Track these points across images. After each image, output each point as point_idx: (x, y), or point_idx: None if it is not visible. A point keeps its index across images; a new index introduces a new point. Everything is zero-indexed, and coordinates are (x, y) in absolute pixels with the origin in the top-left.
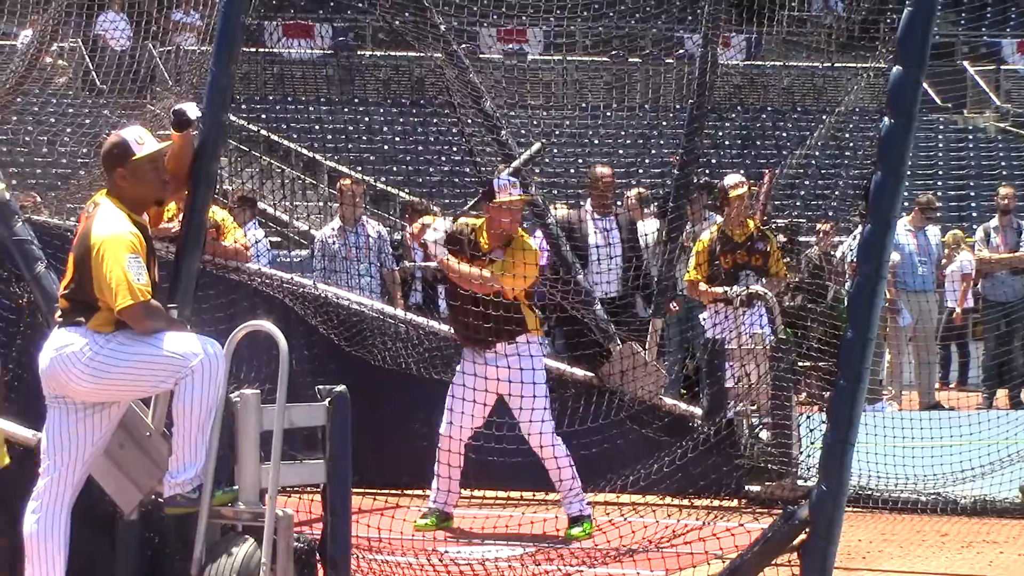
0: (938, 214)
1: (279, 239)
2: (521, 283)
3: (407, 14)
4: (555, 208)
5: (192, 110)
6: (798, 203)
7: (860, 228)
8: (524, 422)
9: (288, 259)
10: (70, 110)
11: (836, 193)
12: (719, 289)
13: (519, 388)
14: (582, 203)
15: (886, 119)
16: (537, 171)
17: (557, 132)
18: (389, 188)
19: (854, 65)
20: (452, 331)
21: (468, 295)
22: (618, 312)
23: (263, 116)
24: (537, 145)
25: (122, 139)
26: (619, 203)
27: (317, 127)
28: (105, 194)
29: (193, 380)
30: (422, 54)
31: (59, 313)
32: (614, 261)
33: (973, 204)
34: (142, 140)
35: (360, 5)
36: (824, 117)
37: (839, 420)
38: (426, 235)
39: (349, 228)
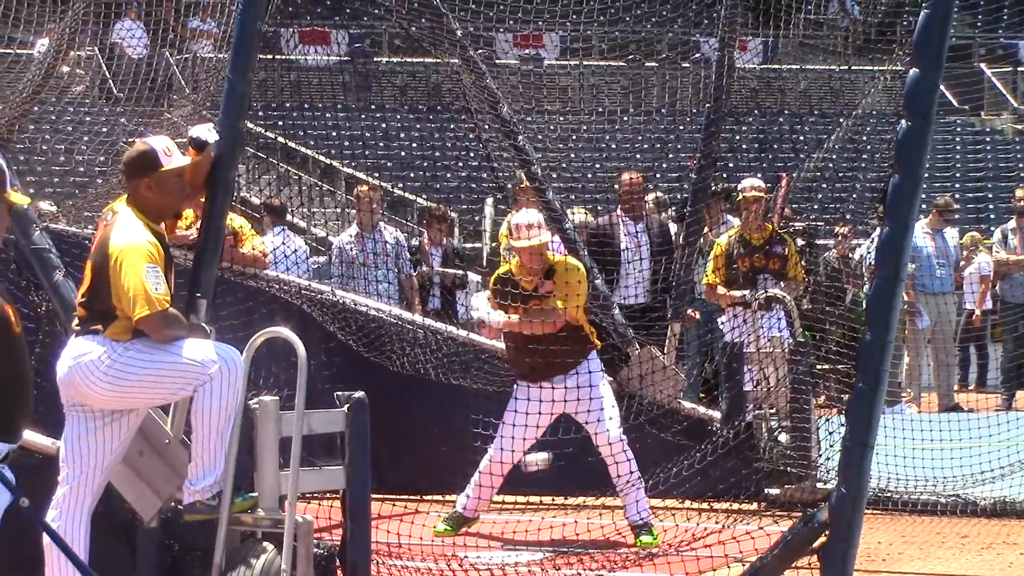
0: (956, 216)
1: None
2: (576, 308)
3: (423, 20)
4: (574, 212)
5: (207, 134)
6: (815, 206)
7: (878, 231)
8: (596, 433)
9: (306, 266)
10: (87, 118)
11: (853, 196)
12: (737, 292)
13: (586, 404)
14: (612, 208)
15: (903, 121)
16: (555, 175)
17: (574, 137)
18: (406, 194)
19: (871, 68)
20: (511, 367)
21: (530, 336)
22: (644, 318)
23: (280, 123)
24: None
25: (150, 149)
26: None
27: (334, 133)
28: (124, 201)
29: (212, 387)
30: (438, 60)
31: (76, 321)
32: (644, 266)
33: (991, 206)
34: (170, 152)
35: (377, 11)
36: (841, 120)
37: (858, 423)
38: (478, 315)
39: (367, 234)
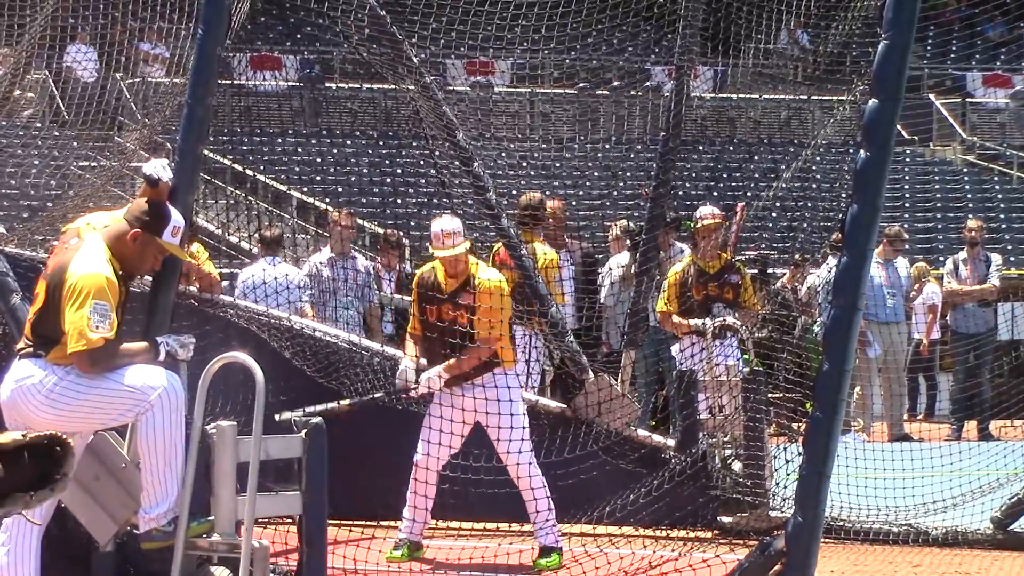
0: (906, 246)
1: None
2: (498, 325)
3: (377, 46)
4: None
5: (161, 171)
6: (766, 235)
7: (832, 260)
8: (502, 452)
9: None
10: (38, 142)
11: (805, 226)
12: (692, 321)
13: (496, 419)
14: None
15: (862, 151)
16: (505, 202)
17: (525, 164)
18: (360, 220)
19: (829, 98)
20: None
21: (436, 337)
22: (588, 344)
23: (231, 148)
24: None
25: (168, 217)
26: (573, 236)
27: (285, 159)
28: (93, 228)
29: (153, 415)
30: (392, 86)
31: (21, 343)
32: (571, 295)
33: (940, 236)
34: (177, 233)
35: (332, 37)
36: (793, 150)
37: (815, 451)
38: (413, 391)
39: (338, 261)
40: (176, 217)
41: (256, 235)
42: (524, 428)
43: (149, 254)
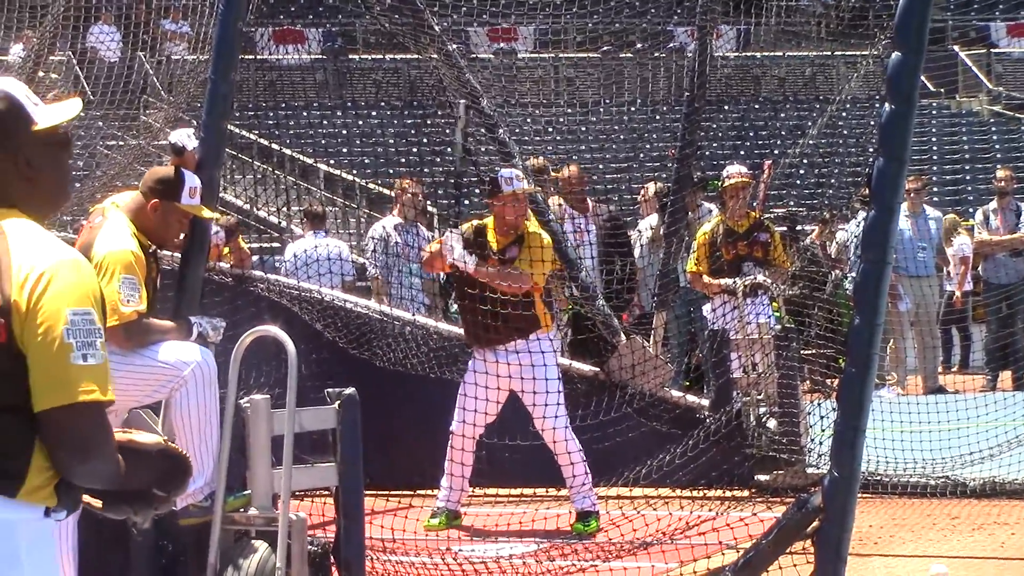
0: (927, 196)
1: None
2: (542, 279)
3: (398, 16)
4: (557, 203)
5: (186, 140)
6: (794, 192)
7: (862, 215)
8: (538, 417)
9: (348, 266)
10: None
11: (833, 181)
12: (722, 281)
13: (531, 384)
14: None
15: (887, 105)
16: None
17: (551, 129)
18: (385, 190)
19: (853, 53)
20: (462, 330)
21: (477, 294)
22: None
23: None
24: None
25: (182, 180)
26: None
27: (311, 132)
28: (117, 206)
29: (187, 390)
30: (416, 56)
31: None
32: (591, 258)
33: (969, 188)
34: (195, 194)
35: (354, 8)
36: (819, 106)
37: (849, 407)
38: (448, 258)
39: (405, 227)
40: (190, 178)
41: (298, 212)
42: (560, 392)
43: (173, 221)
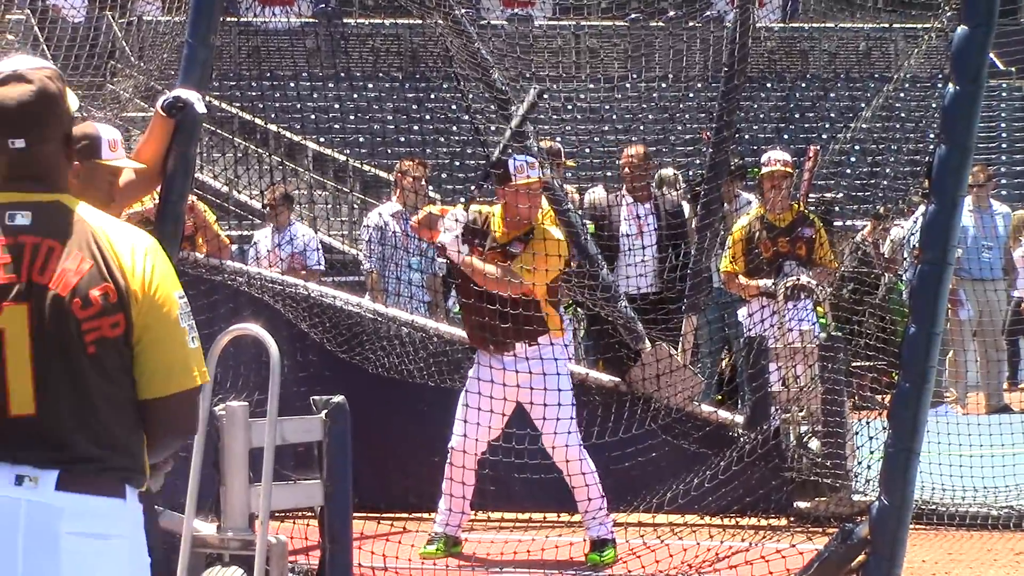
0: (994, 190)
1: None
2: (543, 279)
3: None
4: (576, 192)
5: (198, 103)
6: (844, 183)
7: (922, 210)
8: (547, 433)
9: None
10: None
11: (888, 171)
12: (761, 282)
13: (541, 395)
14: (615, 187)
15: (950, 85)
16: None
17: (570, 107)
18: (381, 172)
19: (913, 26)
20: (464, 332)
21: (482, 292)
22: (653, 310)
23: (238, 94)
24: (533, 92)
25: (95, 135)
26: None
27: (299, 106)
28: None
29: None
30: (419, 21)
31: None
32: (648, 252)
33: None
34: (115, 147)
35: None
36: (874, 86)
37: (902, 426)
38: (441, 235)
39: (407, 215)
40: (107, 130)
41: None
42: (571, 406)
43: (100, 180)
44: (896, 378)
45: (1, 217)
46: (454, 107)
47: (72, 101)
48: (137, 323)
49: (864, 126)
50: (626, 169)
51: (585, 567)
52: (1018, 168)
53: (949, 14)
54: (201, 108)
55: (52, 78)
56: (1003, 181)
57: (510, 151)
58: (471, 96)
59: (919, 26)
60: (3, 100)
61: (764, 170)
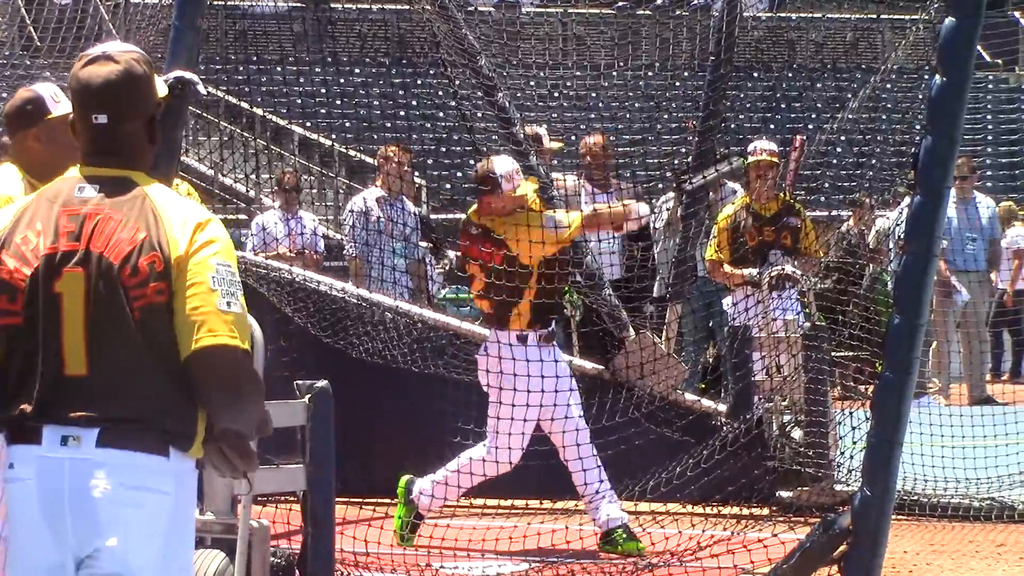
0: (978, 181)
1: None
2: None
3: None
4: (559, 181)
5: (200, 85)
6: (830, 173)
7: (907, 201)
8: (557, 419)
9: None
10: (6, 71)
11: (874, 162)
12: (746, 271)
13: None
14: (576, 174)
15: (937, 76)
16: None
17: (557, 94)
18: (367, 158)
19: (901, 17)
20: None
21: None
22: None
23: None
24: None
25: (36, 95)
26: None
27: (285, 90)
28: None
29: None
30: (406, 6)
31: None
32: (615, 242)
33: None
34: (58, 98)
35: None
36: (861, 76)
37: (885, 417)
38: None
39: (390, 200)
40: (42, 87)
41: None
42: (574, 391)
43: (58, 138)
44: (880, 368)
45: (74, 189)
46: (440, 93)
47: (160, 87)
48: (177, 290)
49: (851, 117)
50: (587, 158)
51: (568, 554)
52: (1003, 160)
53: (937, 6)
54: (202, 88)
55: (139, 61)
56: (988, 173)
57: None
58: (458, 82)
59: (907, 17)
60: (90, 78)
61: (751, 159)
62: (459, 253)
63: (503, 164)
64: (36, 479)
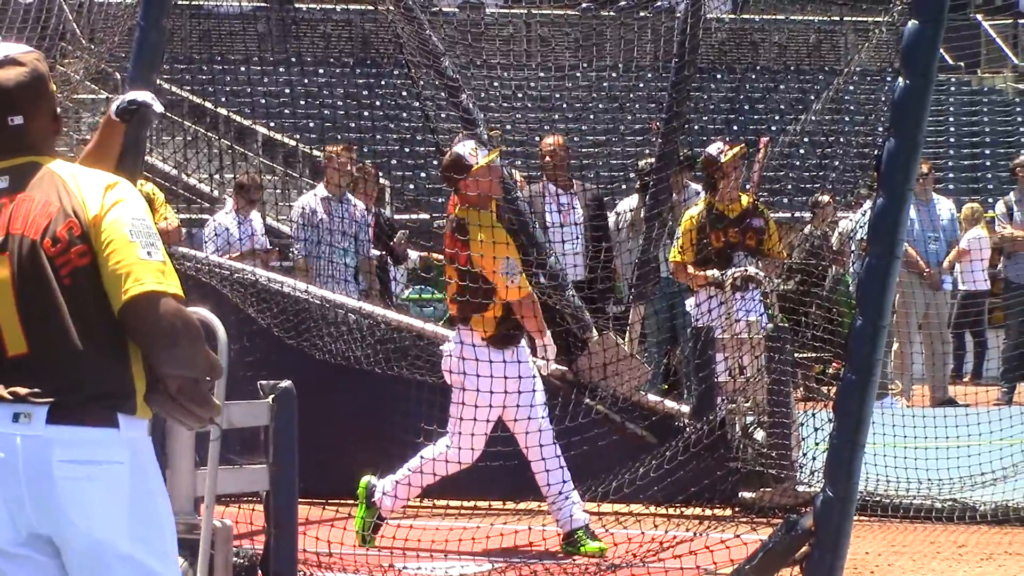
0: (936, 182)
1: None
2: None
3: None
4: (522, 181)
5: (155, 105)
6: (792, 175)
7: (869, 203)
8: (521, 420)
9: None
10: None
11: (836, 164)
12: (710, 272)
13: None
14: (538, 178)
15: (900, 79)
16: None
17: (521, 96)
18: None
19: (864, 19)
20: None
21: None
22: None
23: (188, 77)
24: None
25: None
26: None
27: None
28: None
29: None
30: (370, 7)
31: None
32: (578, 243)
33: (989, 175)
34: None
35: None
36: (822, 78)
37: (847, 418)
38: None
39: (335, 200)
40: None
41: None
42: (539, 391)
43: None
44: (842, 370)
45: None
46: (404, 93)
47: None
48: (98, 250)
49: (814, 119)
50: (547, 159)
51: (531, 555)
52: (965, 163)
53: (900, 8)
54: (158, 108)
55: (40, 60)
56: (950, 176)
57: (447, 145)
58: (421, 83)
59: (870, 19)
60: (2, 82)
61: (727, 156)
62: (423, 254)
63: (464, 145)
64: None
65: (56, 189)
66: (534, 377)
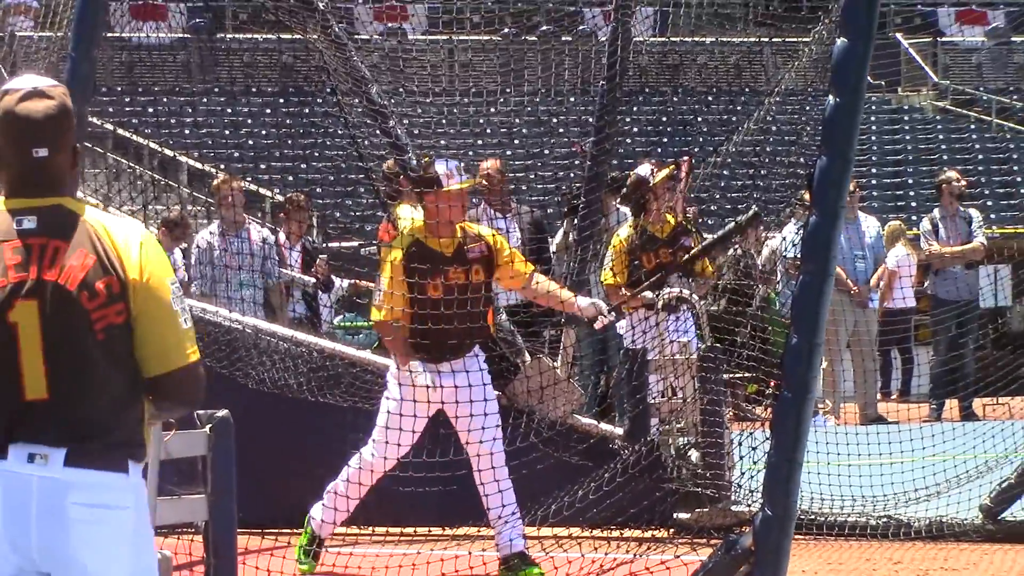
0: (862, 200)
1: None
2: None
3: None
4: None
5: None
6: (717, 195)
7: (796, 221)
8: (474, 442)
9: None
10: None
11: (760, 183)
12: (645, 294)
13: (479, 405)
14: (476, 203)
15: (830, 97)
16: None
17: (445, 121)
18: (259, 188)
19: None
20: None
21: (439, 300)
22: (524, 322)
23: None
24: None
25: None
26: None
27: (173, 120)
28: None
29: None
30: (293, 36)
31: None
32: None
33: (912, 192)
34: None
35: None
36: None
37: (784, 436)
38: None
39: (231, 233)
40: None
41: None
42: (497, 415)
43: None
44: (773, 389)
45: (11, 222)
46: (330, 121)
47: None
48: (135, 309)
49: (743, 138)
50: (483, 183)
51: None
52: (887, 181)
53: (828, 27)
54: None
55: (66, 95)
56: (874, 194)
57: (432, 156)
58: (348, 111)
59: (791, 39)
60: (31, 113)
61: (658, 176)
62: (353, 281)
63: (443, 164)
64: (2, 492)
65: (90, 239)
66: (487, 400)
